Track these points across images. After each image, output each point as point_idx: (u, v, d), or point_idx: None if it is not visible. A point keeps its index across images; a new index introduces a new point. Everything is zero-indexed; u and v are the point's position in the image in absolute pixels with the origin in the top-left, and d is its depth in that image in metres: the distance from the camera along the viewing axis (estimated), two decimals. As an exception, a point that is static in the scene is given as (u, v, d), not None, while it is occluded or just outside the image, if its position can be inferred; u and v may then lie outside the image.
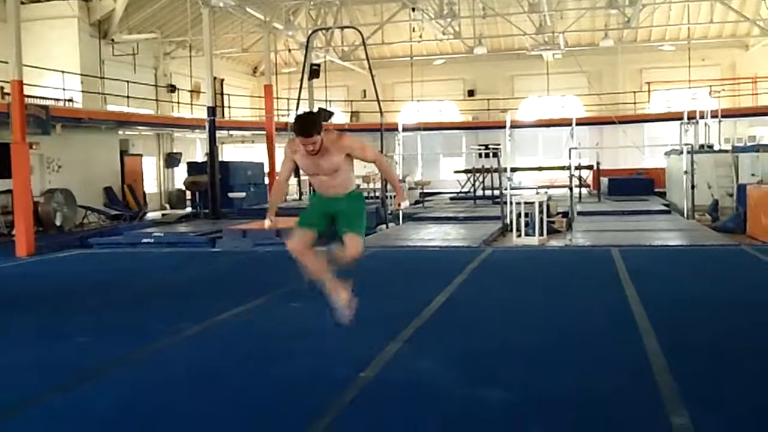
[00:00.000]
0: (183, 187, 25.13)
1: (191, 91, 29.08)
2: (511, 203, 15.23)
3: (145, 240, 14.77)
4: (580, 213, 18.08)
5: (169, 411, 4.60)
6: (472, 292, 8.53)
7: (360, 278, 9.35)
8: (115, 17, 23.90)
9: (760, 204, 13.85)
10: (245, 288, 9.08)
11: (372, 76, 20.92)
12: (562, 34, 28.39)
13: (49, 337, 6.75)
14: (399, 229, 16.94)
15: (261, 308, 7.68)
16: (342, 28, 27.38)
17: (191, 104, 29.03)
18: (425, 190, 28.00)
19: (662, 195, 23.82)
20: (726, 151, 21.28)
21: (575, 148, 20.93)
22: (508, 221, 15.43)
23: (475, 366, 5.36)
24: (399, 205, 5.56)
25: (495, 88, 34.24)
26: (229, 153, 32.55)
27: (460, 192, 26.79)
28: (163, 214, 23.94)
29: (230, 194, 22.22)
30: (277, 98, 28.15)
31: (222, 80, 31.35)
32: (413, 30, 29.97)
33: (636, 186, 25.26)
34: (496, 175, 21.20)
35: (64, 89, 21.32)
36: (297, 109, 22.48)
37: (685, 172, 17.14)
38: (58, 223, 18.41)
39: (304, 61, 22.49)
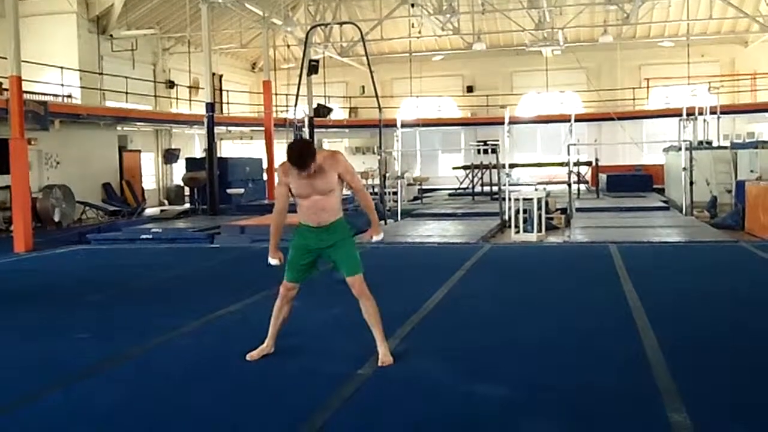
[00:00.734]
0: (181, 183, 25.11)
1: (190, 87, 29.04)
2: (509, 199, 15.24)
3: (143, 236, 14.77)
4: (578, 209, 18.09)
5: (168, 407, 4.60)
6: (471, 289, 8.53)
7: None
8: (113, 13, 23.86)
9: (759, 200, 13.86)
10: (243, 284, 9.07)
11: (371, 72, 20.91)
12: (561, 30, 28.34)
13: (47, 333, 6.75)
14: (397, 225, 16.95)
15: (259, 304, 7.66)
16: (341, 23, 27.37)
17: (190, 100, 29.00)
18: (424, 187, 28.00)
19: (661, 191, 23.85)
20: (725, 148, 21.27)
21: (574, 145, 20.93)
22: (507, 217, 15.44)
23: (474, 362, 5.37)
24: (371, 237, 5.39)
25: (494, 84, 34.23)
26: (227, 149, 32.55)
27: (459, 188, 26.80)
28: (161, 210, 23.94)
29: (229, 190, 22.21)
30: (276, 94, 28.14)
31: (221, 76, 31.32)
32: (412, 26, 29.92)
33: (634, 182, 25.30)
34: (494, 171, 21.20)
35: (62, 85, 21.29)
36: (296, 105, 22.48)
37: (684, 169, 17.15)
38: (56, 218, 18.40)
39: (303, 57, 22.44)
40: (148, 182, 26.67)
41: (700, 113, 24.57)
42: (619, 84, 32.68)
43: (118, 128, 24.24)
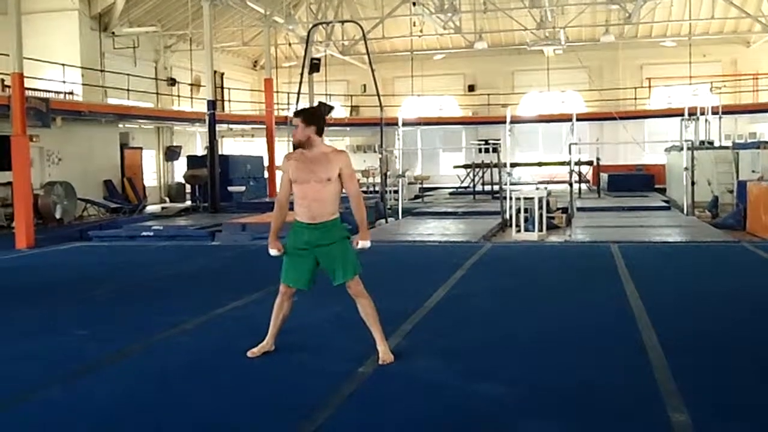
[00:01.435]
0: (183, 181, 25.12)
1: (191, 85, 29.05)
2: (510, 198, 15.23)
3: (144, 233, 14.78)
4: (579, 209, 18.09)
5: (168, 404, 4.60)
6: (471, 287, 8.53)
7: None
8: (115, 10, 23.87)
9: (760, 200, 13.85)
10: (244, 282, 9.07)
11: (372, 71, 20.87)
12: (563, 30, 28.33)
13: (48, 329, 6.75)
14: (398, 224, 16.95)
15: (259, 302, 7.66)
16: (342, 22, 27.34)
17: (191, 98, 29.00)
18: (424, 185, 28.00)
19: (662, 191, 23.84)
20: (726, 148, 21.28)
21: (575, 144, 20.92)
22: (508, 216, 15.43)
23: (474, 361, 5.37)
24: (357, 243, 5.26)
25: (495, 83, 34.22)
26: (228, 147, 32.54)
27: (460, 187, 26.80)
28: (162, 208, 23.95)
29: (230, 188, 22.22)
30: (277, 92, 28.14)
31: (222, 74, 31.32)
32: (414, 24, 29.94)
33: (636, 182, 25.30)
34: (495, 170, 21.19)
35: (64, 82, 21.30)
36: (297, 103, 22.46)
37: (686, 169, 17.13)
38: (57, 215, 18.40)
39: (305, 55, 22.42)
40: (150, 179, 26.67)
41: (702, 113, 24.56)
42: (621, 83, 32.68)
43: (120, 125, 24.24)
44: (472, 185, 25.61)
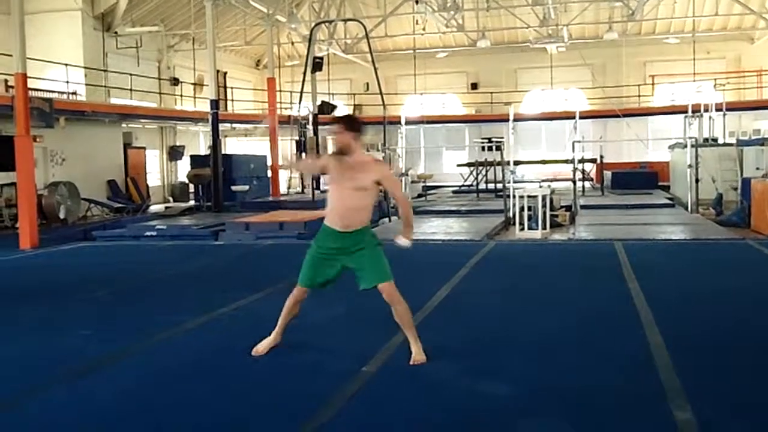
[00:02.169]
0: (186, 180, 25.13)
1: (194, 84, 29.05)
2: (514, 196, 15.22)
3: (148, 233, 14.79)
4: (583, 206, 18.07)
5: (171, 402, 4.60)
6: (475, 286, 8.52)
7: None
8: (118, 10, 23.88)
9: (765, 198, 13.82)
10: (247, 281, 9.08)
11: (375, 69, 20.90)
12: (566, 27, 28.31)
13: (52, 328, 6.76)
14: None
15: (263, 301, 7.67)
16: (345, 20, 27.37)
17: (194, 97, 29.00)
18: (428, 184, 27.98)
19: (666, 189, 23.80)
20: (730, 145, 21.23)
21: (579, 142, 20.88)
22: (511, 215, 15.41)
23: (478, 360, 5.36)
24: (397, 240, 5.30)
25: (498, 81, 34.18)
26: (231, 146, 32.55)
27: (463, 185, 26.77)
28: (166, 207, 23.95)
29: (233, 187, 22.22)
30: (280, 91, 28.13)
31: (225, 73, 31.33)
32: (416, 23, 29.92)
33: (639, 179, 25.25)
34: (498, 168, 21.17)
35: (67, 82, 21.31)
36: (300, 102, 22.46)
37: (689, 166, 17.10)
38: (61, 215, 18.43)
39: (307, 54, 22.46)
40: (153, 179, 26.69)
41: (706, 110, 24.51)
42: (624, 81, 32.62)
43: (123, 125, 24.26)
44: (475, 183, 25.58)
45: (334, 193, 5.17)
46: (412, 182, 25.84)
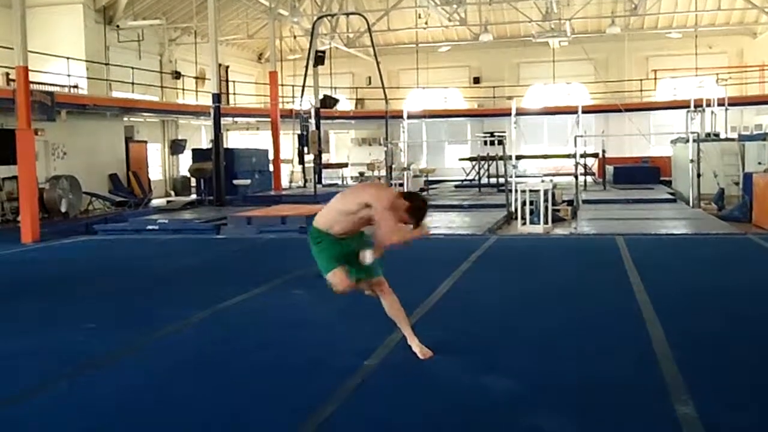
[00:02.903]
0: (188, 174, 25.13)
1: (196, 78, 29.02)
2: (516, 191, 15.20)
3: (150, 227, 14.79)
4: (585, 201, 18.04)
5: (174, 397, 4.61)
6: (477, 281, 8.52)
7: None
8: (120, 3, 23.86)
9: (767, 193, 13.80)
10: (249, 275, 9.09)
11: (377, 63, 20.87)
12: (569, 21, 28.23)
13: (54, 323, 6.77)
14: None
15: (264, 295, 7.68)
16: (347, 14, 27.33)
17: (196, 91, 28.98)
18: (430, 178, 27.95)
19: (668, 183, 23.75)
20: (732, 140, 21.19)
21: (581, 136, 20.85)
22: (513, 209, 15.40)
23: (480, 354, 5.36)
24: (365, 256, 4.99)
25: (501, 76, 34.11)
26: (233, 140, 32.55)
27: (465, 180, 26.75)
28: (168, 201, 23.95)
29: (235, 181, 22.21)
30: (282, 85, 28.10)
31: (227, 67, 31.29)
32: (419, 16, 29.86)
33: (641, 174, 25.18)
34: (501, 162, 21.15)
35: (69, 75, 21.30)
36: (302, 96, 22.44)
37: (691, 161, 17.07)
38: (63, 209, 18.44)
39: (310, 48, 22.43)
40: (155, 173, 26.69)
41: (708, 105, 24.45)
42: (627, 75, 32.54)
43: (125, 119, 24.25)
44: (477, 178, 25.55)
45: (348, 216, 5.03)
46: (414, 177, 25.84)
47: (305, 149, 23.21)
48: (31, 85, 14.81)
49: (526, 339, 5.81)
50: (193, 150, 25.27)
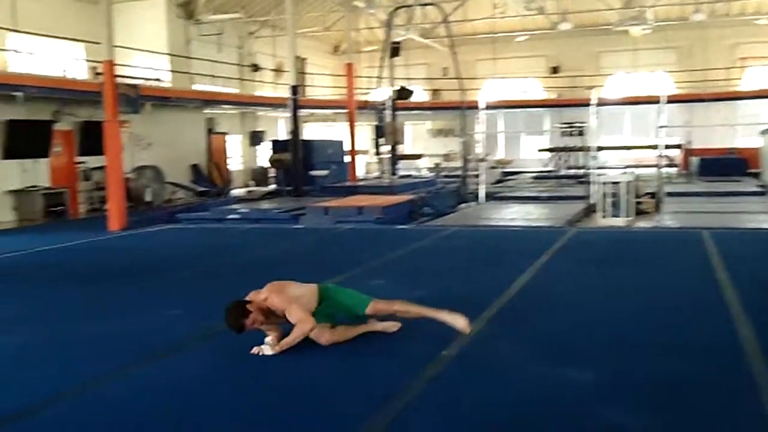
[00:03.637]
0: (267, 165, 25.52)
1: (274, 70, 29.42)
2: (596, 183, 14.90)
3: (230, 216, 15.10)
4: (669, 194, 17.54)
5: (255, 382, 4.69)
6: (556, 273, 8.38)
7: (442, 258, 9.32)
8: (200, -2, 24.35)
9: None
10: (328, 264, 9.17)
11: (453, 54, 20.71)
12: (651, 9, 27.42)
13: (139, 308, 6.98)
14: (480, 208, 16.81)
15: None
16: (423, 5, 27.15)
17: (274, 83, 29.38)
18: (507, 169, 27.67)
19: (756, 176, 22.89)
20: (826, 130, 20.25)
21: (664, 127, 20.25)
22: (594, 201, 15.10)
23: (558, 347, 5.28)
24: (261, 349, 5.20)
25: (580, 65, 33.40)
26: (311, 131, 32.89)
27: (544, 171, 26.36)
28: (247, 191, 24.40)
29: (312, 172, 22.43)
30: (359, 77, 28.21)
31: (304, 59, 31.59)
32: (495, 6, 29.51)
33: (728, 166, 24.37)
34: (579, 153, 20.74)
35: (152, 69, 21.88)
36: (378, 87, 22.47)
37: (782, 152, 16.40)
38: (148, 198, 18.98)
39: (386, 39, 22.42)
40: (235, 164, 27.22)
41: (800, 93, 23.44)
42: (712, 63, 31.39)
43: (206, 111, 24.79)
44: (556, 169, 25.15)
45: None
46: (491, 168, 25.62)
47: (381, 140, 23.24)
48: (117, 78, 15.26)
49: (605, 332, 5.68)
50: (273, 141, 25.65)
